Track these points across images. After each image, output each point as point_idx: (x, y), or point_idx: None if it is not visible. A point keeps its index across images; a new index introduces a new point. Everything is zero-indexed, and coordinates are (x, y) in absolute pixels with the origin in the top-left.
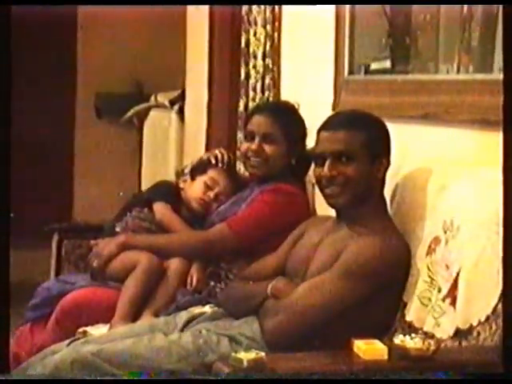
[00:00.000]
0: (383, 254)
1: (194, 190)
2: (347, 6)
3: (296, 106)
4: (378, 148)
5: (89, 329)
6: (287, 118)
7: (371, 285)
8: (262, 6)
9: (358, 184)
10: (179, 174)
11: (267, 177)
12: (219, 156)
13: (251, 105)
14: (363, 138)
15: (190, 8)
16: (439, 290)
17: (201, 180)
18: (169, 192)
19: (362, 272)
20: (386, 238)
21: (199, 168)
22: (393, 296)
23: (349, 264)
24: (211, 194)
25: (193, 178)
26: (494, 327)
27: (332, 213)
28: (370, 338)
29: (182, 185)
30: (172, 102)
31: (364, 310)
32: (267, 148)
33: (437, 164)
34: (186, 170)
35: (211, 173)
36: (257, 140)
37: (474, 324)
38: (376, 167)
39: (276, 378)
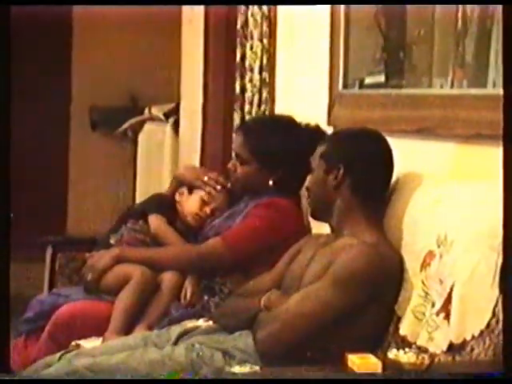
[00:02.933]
0: (374, 263)
1: (190, 205)
2: (342, 20)
3: (274, 125)
4: (334, 159)
5: (82, 342)
6: (256, 139)
7: (362, 293)
8: (259, 19)
9: (314, 192)
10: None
11: (258, 192)
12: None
13: (247, 118)
14: (322, 149)
15: (185, 20)
16: (433, 305)
17: (198, 194)
18: (164, 205)
19: (353, 280)
20: (378, 247)
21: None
22: (385, 307)
23: (339, 272)
24: (207, 210)
25: (190, 192)
26: (487, 342)
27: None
28: (362, 350)
29: (178, 198)
30: (166, 115)
31: (356, 320)
32: (238, 168)
33: (430, 178)
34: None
35: (209, 188)
36: (233, 159)
37: (468, 339)
38: (333, 177)
39: None
